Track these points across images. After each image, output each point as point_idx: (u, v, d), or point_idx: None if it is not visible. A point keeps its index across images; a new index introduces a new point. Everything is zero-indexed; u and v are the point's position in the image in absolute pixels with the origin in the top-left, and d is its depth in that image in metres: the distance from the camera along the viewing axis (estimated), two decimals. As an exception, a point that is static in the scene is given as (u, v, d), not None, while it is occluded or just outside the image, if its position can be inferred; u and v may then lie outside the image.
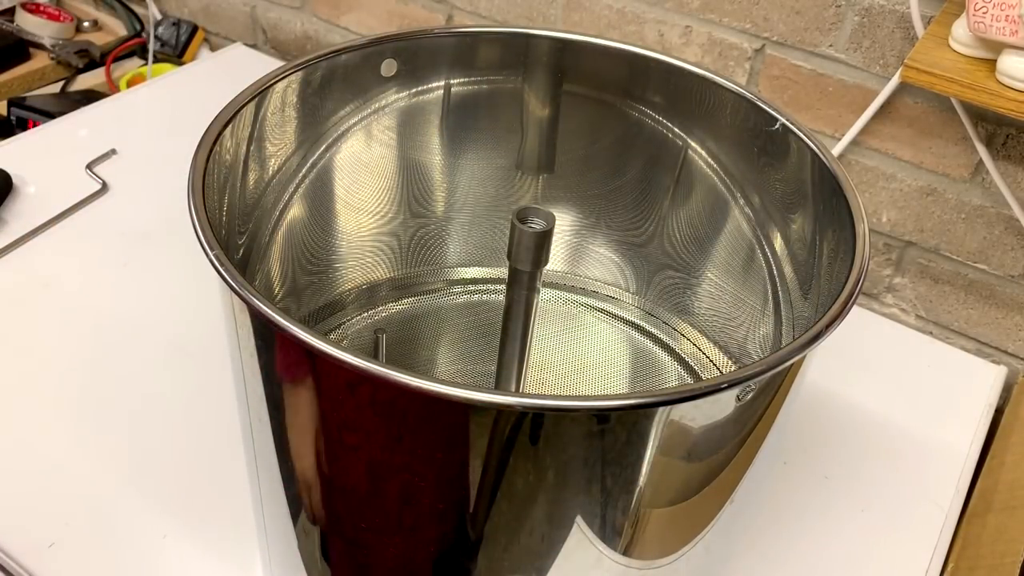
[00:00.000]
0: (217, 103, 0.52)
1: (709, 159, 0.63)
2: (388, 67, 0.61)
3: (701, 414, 0.41)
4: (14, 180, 0.92)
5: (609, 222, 0.70)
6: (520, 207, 0.53)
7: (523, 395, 0.36)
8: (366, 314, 0.72)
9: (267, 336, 0.42)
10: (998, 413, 0.81)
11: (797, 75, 0.84)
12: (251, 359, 0.44)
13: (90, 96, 1.13)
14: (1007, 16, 0.64)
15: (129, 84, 1.17)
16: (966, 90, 0.68)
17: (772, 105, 0.57)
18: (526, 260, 0.53)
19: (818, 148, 0.54)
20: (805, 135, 0.55)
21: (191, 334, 0.78)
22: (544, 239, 0.52)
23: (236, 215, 0.54)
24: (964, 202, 0.81)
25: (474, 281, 0.75)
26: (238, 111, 0.52)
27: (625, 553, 0.46)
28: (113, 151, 0.98)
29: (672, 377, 0.70)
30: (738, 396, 0.41)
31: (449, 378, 0.70)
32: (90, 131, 1.02)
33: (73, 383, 0.74)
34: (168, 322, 0.80)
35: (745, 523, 0.67)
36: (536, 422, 0.39)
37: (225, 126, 0.50)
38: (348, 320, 0.72)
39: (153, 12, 1.25)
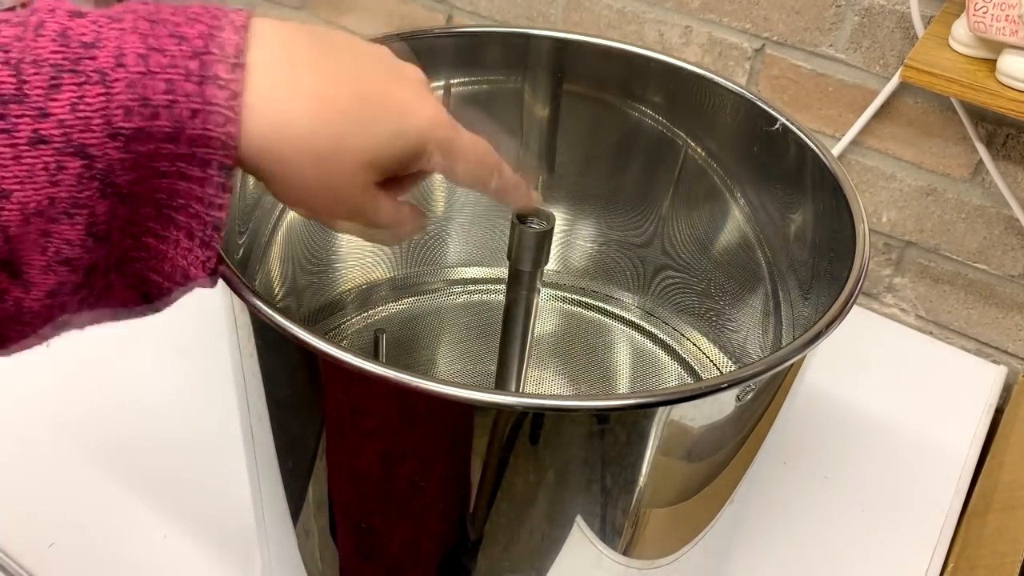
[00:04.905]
0: (217, 103, 0.51)
1: (709, 159, 0.63)
2: (388, 67, 0.61)
3: (701, 414, 0.41)
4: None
5: (609, 222, 0.70)
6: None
7: (523, 395, 0.36)
8: (366, 314, 0.72)
9: (267, 336, 0.42)
10: (998, 413, 0.81)
11: (797, 75, 0.84)
12: (251, 359, 0.44)
13: (90, 96, 1.13)
14: (1007, 16, 0.64)
15: (129, 84, 1.17)
16: (966, 90, 0.68)
17: (772, 105, 0.57)
18: (526, 260, 0.53)
19: (818, 148, 0.54)
20: (805, 135, 0.55)
21: (191, 334, 0.78)
22: (544, 239, 0.52)
23: (236, 215, 0.54)
24: (964, 202, 0.81)
25: (474, 281, 0.75)
26: (238, 111, 0.51)
27: (625, 553, 0.46)
28: (113, 151, 0.98)
29: (672, 377, 0.70)
30: (738, 396, 0.41)
31: (449, 378, 0.70)
32: (90, 131, 1.02)
33: (72, 382, 0.74)
34: (168, 322, 0.80)
35: (745, 523, 0.67)
36: (536, 422, 0.39)
37: (225, 126, 0.50)
38: (348, 320, 0.72)
39: (153, 12, 1.25)
